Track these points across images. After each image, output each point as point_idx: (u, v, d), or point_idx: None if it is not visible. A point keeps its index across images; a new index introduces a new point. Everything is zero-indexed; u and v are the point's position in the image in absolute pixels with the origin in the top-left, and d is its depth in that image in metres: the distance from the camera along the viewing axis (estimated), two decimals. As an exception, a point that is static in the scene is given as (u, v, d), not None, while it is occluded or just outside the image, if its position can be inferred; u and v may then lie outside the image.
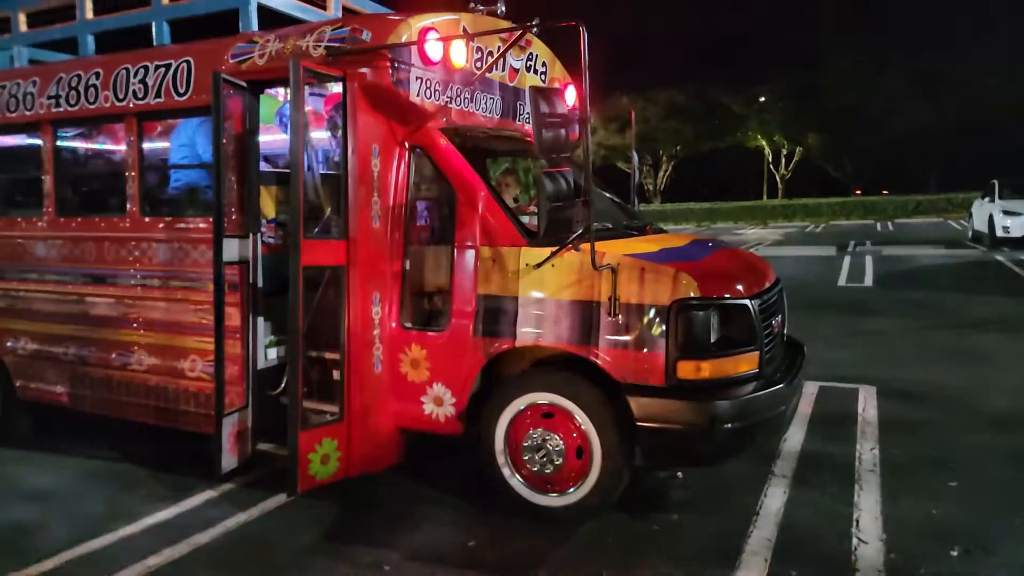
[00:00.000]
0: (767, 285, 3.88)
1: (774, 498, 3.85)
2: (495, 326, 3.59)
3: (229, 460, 3.89)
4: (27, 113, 4.57)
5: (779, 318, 3.98)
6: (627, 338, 3.35)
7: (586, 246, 3.35)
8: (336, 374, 3.83)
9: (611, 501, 3.57)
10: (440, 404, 3.76)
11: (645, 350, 3.33)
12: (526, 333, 3.54)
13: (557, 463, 3.53)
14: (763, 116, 44.76)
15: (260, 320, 4.04)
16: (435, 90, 3.85)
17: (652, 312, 3.32)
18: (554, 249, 3.42)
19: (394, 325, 3.83)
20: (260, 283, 4.02)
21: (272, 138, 4.61)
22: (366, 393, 3.78)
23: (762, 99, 44.13)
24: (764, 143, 47.02)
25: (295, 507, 3.85)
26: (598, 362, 3.41)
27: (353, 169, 3.66)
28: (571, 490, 3.53)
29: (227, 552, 3.40)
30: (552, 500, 3.57)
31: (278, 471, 4.13)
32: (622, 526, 3.59)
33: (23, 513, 3.89)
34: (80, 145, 4.90)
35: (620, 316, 3.35)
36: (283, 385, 4.10)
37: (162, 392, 4.29)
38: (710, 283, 3.40)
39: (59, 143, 4.65)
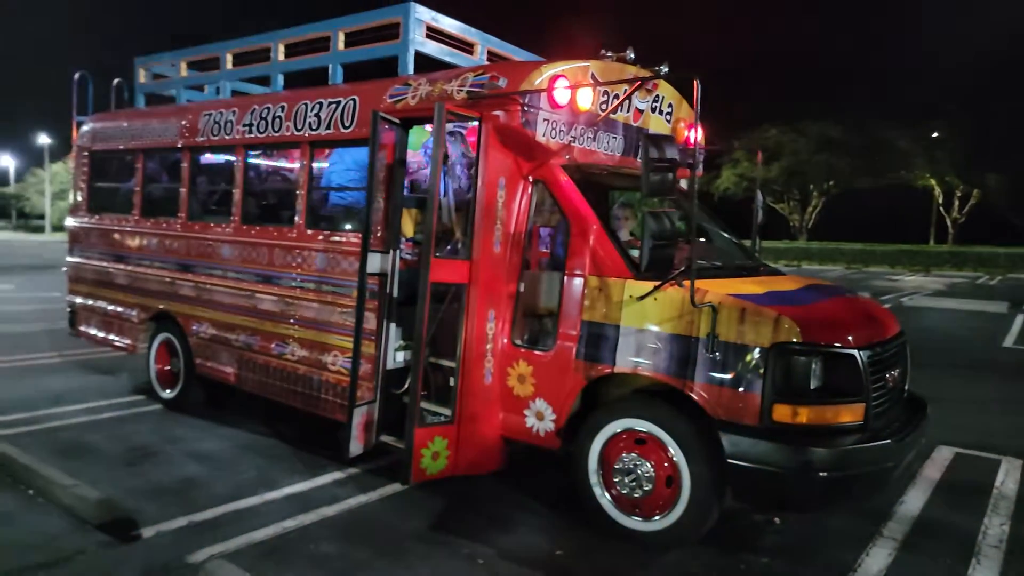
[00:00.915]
0: (885, 337, 3.80)
1: (877, 558, 3.73)
2: (597, 351, 3.83)
3: (356, 446, 4.42)
4: (226, 137, 5.49)
5: (897, 372, 3.87)
6: (723, 376, 3.45)
7: (689, 283, 3.50)
8: (451, 381, 4.25)
9: (698, 534, 3.65)
10: (541, 419, 4.05)
11: (741, 389, 3.41)
12: (625, 360, 3.75)
13: (646, 489, 3.68)
14: (934, 153, 40.53)
15: (392, 326, 4.56)
16: (560, 130, 4.19)
17: (751, 353, 3.40)
18: (656, 284, 3.61)
19: (505, 341, 4.19)
20: (395, 293, 4.55)
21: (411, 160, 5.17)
22: (476, 400, 4.16)
23: (935, 134, 40.07)
24: (934, 182, 42.58)
25: (407, 496, 4.30)
26: (693, 396, 3.53)
27: (481, 199, 4.08)
28: (657, 517, 3.66)
29: (347, 526, 3.89)
30: (638, 524, 3.73)
31: (395, 462, 4.62)
32: (709, 560, 3.66)
33: (192, 470, 4.66)
34: (263, 166, 5.77)
35: (718, 353, 3.46)
36: (406, 385, 4.60)
37: (307, 380, 4.95)
38: (814, 329, 3.42)
39: (248, 163, 5.53)
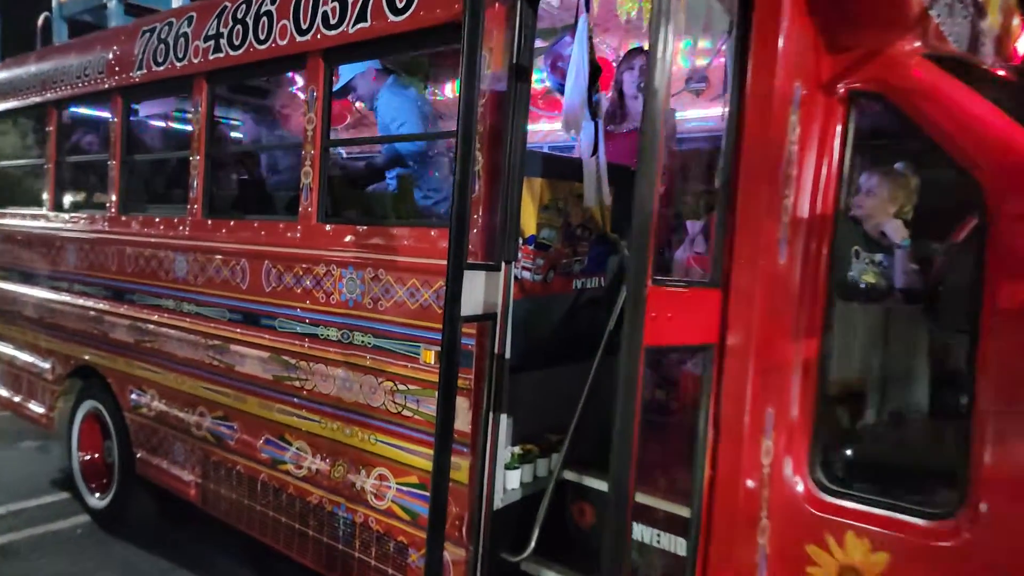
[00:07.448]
0: None
1: None
2: None
3: None
4: (178, 64, 3.11)
5: None
6: None
7: None
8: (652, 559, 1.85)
9: None
10: None
11: None
12: None
13: None
14: None
15: (504, 420, 2.18)
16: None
17: None
18: None
19: (798, 482, 1.76)
20: (508, 354, 2.16)
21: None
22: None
23: None
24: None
25: None
26: None
27: (750, 136, 1.68)
28: None
29: None
30: None
31: None
32: None
33: None
34: (243, 110, 3.43)
35: None
36: (532, 544, 2.20)
37: (328, 519, 2.55)
38: None
39: (216, 107, 3.16)
